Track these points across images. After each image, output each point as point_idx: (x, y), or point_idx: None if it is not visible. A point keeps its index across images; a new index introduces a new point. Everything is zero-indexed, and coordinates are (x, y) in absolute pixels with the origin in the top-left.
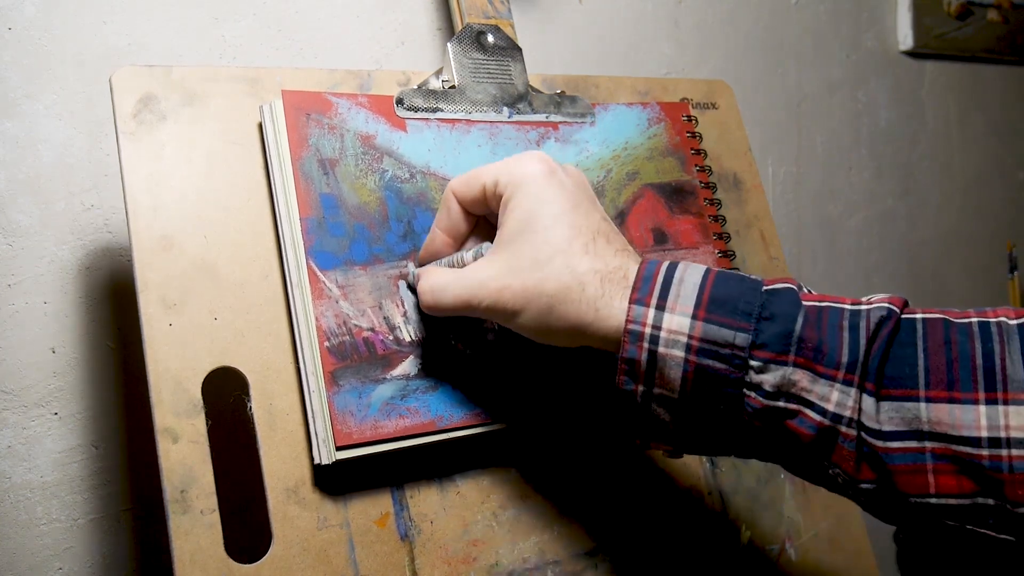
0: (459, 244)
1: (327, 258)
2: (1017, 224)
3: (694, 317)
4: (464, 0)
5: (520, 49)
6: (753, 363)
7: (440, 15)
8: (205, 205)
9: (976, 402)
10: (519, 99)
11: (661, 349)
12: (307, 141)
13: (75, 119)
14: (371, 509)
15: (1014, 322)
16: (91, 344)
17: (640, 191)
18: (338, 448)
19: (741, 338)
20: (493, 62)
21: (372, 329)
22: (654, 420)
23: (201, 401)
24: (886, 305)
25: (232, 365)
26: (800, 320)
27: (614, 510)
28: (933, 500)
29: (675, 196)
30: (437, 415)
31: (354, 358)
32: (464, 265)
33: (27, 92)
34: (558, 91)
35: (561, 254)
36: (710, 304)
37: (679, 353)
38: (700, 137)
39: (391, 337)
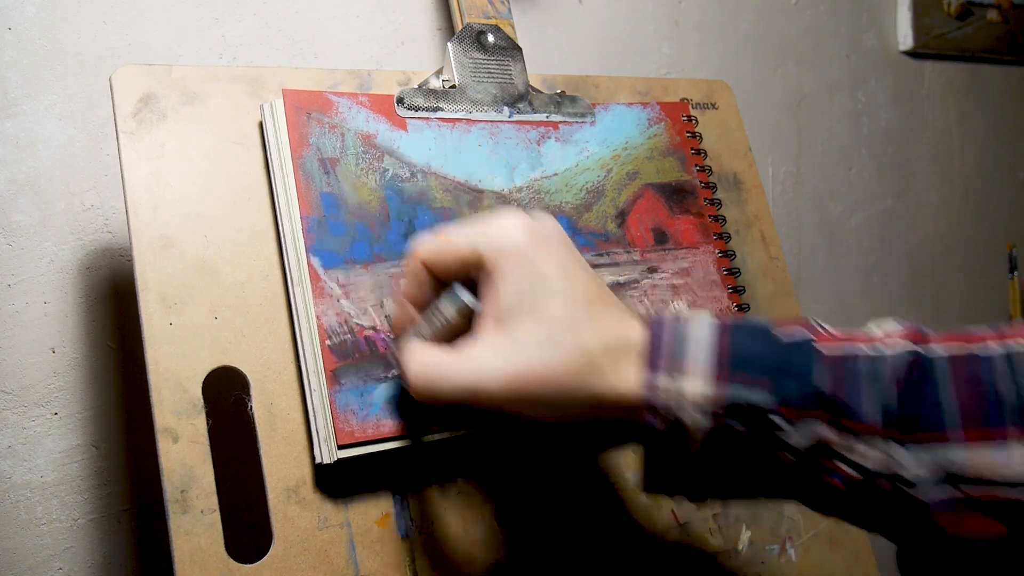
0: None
1: (328, 257)
2: (1017, 224)
3: (711, 379)
4: (464, 0)
5: (520, 49)
6: (779, 421)
7: (440, 15)
8: (205, 204)
9: (1009, 441)
10: (519, 99)
11: (681, 415)
12: (308, 140)
13: (75, 119)
14: (372, 509)
15: None
16: (91, 344)
17: (640, 191)
18: (340, 447)
19: (763, 397)
20: (493, 62)
21: (374, 328)
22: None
23: (201, 401)
24: (906, 345)
25: (232, 364)
26: (821, 372)
27: (614, 509)
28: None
29: (675, 196)
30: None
31: (355, 357)
32: (449, 323)
33: (27, 92)
34: (558, 91)
35: (565, 328)
36: (725, 364)
37: (700, 417)
38: (700, 137)
39: (393, 336)
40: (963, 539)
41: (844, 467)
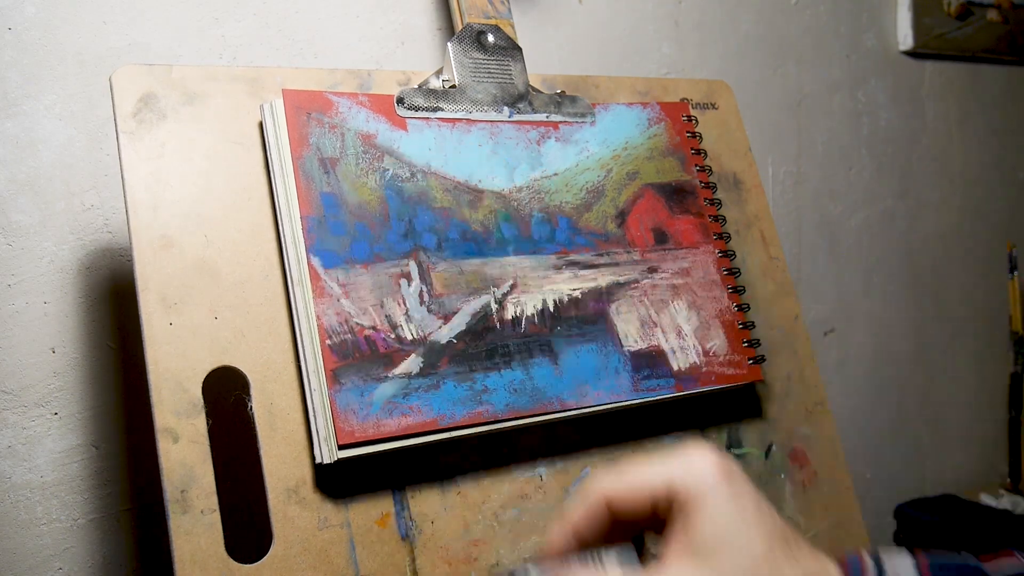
0: (584, 546)
1: (328, 256)
2: (1017, 224)
3: None
4: (464, 0)
5: (520, 49)
6: None
7: (440, 15)
8: (205, 204)
9: None
10: (519, 99)
11: None
12: (308, 140)
13: (75, 119)
14: (372, 509)
15: None
16: (91, 344)
17: (640, 191)
18: (340, 447)
19: None
20: (493, 62)
21: (374, 327)
22: None
23: (201, 401)
24: None
25: (232, 364)
26: None
27: None
28: None
29: (675, 196)
30: (439, 414)
31: (356, 356)
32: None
33: (27, 92)
34: (558, 91)
35: (767, 563)
36: None
37: None
38: (700, 137)
39: (393, 335)
40: None
41: None
